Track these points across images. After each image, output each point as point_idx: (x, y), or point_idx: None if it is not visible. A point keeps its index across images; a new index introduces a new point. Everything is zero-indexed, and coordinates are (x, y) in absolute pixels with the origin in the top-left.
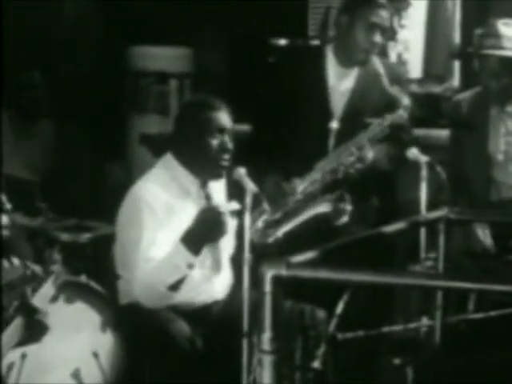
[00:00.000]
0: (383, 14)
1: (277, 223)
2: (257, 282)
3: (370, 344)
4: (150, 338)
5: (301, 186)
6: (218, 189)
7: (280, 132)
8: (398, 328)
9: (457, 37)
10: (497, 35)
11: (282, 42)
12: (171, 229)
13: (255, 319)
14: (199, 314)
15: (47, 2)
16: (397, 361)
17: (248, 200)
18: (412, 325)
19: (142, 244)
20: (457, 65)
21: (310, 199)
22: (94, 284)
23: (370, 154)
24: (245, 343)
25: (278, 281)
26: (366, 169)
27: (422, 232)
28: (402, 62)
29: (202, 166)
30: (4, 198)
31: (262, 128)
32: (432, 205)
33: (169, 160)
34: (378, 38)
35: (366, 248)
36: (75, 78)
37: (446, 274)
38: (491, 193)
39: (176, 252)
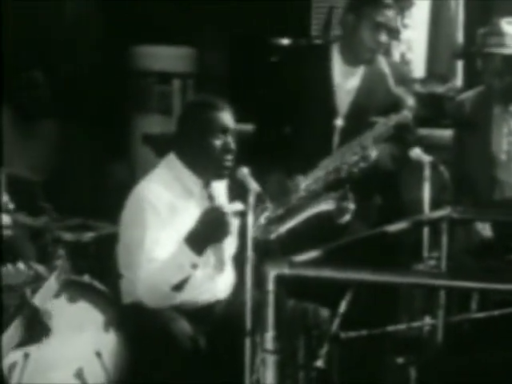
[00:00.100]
0: (389, 14)
1: (279, 220)
2: (259, 281)
3: (373, 343)
4: (152, 338)
5: (304, 183)
6: (220, 189)
7: (284, 131)
8: (401, 327)
9: (460, 36)
10: (500, 33)
11: (285, 41)
12: (174, 229)
13: (258, 318)
14: (202, 314)
15: (48, 1)
16: (400, 360)
17: (251, 200)
18: (415, 324)
19: (145, 244)
20: (460, 64)
21: (313, 197)
22: (97, 283)
23: (373, 154)
24: (248, 342)
25: (280, 280)
26: (369, 168)
27: (425, 231)
28: (405, 61)
29: (205, 166)
30: (7, 198)
31: (265, 127)
32: (435, 204)
33: (172, 160)
34: (383, 37)
35: (369, 247)
36: (77, 77)
37: (448, 273)
38: (494, 192)
39: (180, 252)
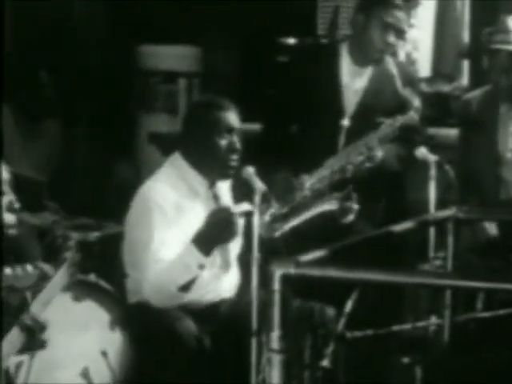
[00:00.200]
0: (399, 15)
1: (283, 218)
2: (265, 280)
3: (379, 343)
4: (158, 337)
5: (309, 182)
6: (224, 189)
7: (290, 131)
8: (406, 327)
9: (466, 36)
10: (506, 31)
11: (291, 41)
12: (180, 228)
13: (264, 318)
14: (207, 313)
15: (54, 2)
16: (406, 359)
17: (256, 199)
18: (421, 323)
19: (152, 244)
20: (466, 64)
21: (317, 196)
22: (102, 283)
23: (379, 154)
24: (253, 342)
25: (286, 279)
26: (375, 168)
27: (431, 231)
28: (411, 61)
29: (211, 166)
30: (13, 197)
31: (272, 127)
32: (441, 204)
33: (177, 159)
34: (392, 38)
35: (375, 247)
36: (83, 77)
37: (454, 273)
38: (500, 192)
39: (187, 253)
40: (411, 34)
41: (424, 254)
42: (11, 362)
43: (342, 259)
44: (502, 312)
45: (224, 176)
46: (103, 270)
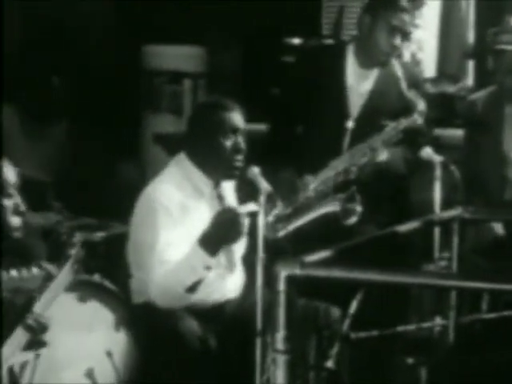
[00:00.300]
0: (405, 18)
1: (287, 218)
2: (270, 281)
3: (384, 343)
4: (163, 338)
5: (313, 183)
6: (228, 189)
7: (296, 131)
8: (411, 327)
9: (471, 36)
10: (511, 31)
11: (296, 41)
12: (185, 229)
13: (269, 318)
14: (212, 313)
15: (60, 2)
16: (410, 360)
17: (262, 200)
18: (426, 324)
19: (157, 246)
20: (471, 64)
21: (321, 197)
22: (107, 283)
23: (383, 156)
24: (258, 342)
25: (291, 280)
26: (380, 171)
27: (436, 232)
28: (415, 61)
29: (215, 166)
30: (20, 201)
31: (277, 127)
32: (446, 204)
33: (182, 160)
34: (398, 41)
35: (380, 247)
36: (88, 77)
37: (459, 273)
38: (506, 192)
39: (193, 254)
40: (416, 34)
41: (429, 255)
42: (16, 361)
43: (347, 260)
44: (506, 313)
45: (229, 176)
46: (108, 271)
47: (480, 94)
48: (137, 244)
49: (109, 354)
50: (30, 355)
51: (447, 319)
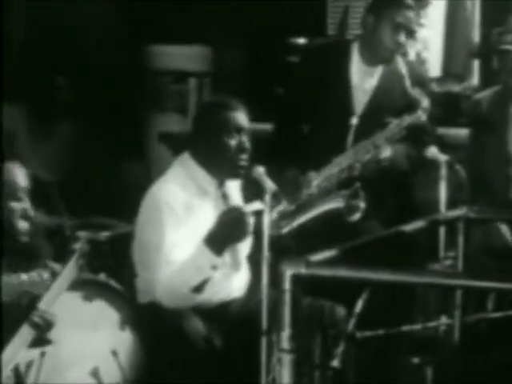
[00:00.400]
0: (409, 15)
1: (290, 215)
2: (275, 280)
3: (389, 343)
4: (169, 337)
5: (316, 180)
6: (234, 188)
7: (301, 130)
8: (417, 327)
9: (476, 36)
10: None
11: (302, 40)
12: (190, 228)
13: (274, 317)
14: (217, 312)
15: (65, 2)
16: (416, 360)
17: (267, 199)
18: (431, 324)
19: (163, 246)
20: (476, 63)
21: (324, 194)
22: (112, 282)
23: (387, 153)
24: (263, 341)
25: (297, 279)
26: (384, 167)
27: (442, 231)
28: (420, 60)
29: (220, 165)
30: (29, 205)
31: (282, 126)
32: (451, 204)
33: (186, 159)
34: (402, 38)
35: (385, 247)
36: (94, 77)
37: (465, 273)
38: (510, 191)
39: (199, 254)
40: (421, 33)
41: (434, 254)
42: (22, 360)
43: (352, 259)
44: None
45: (233, 175)
46: (113, 270)
47: (485, 94)
48: (142, 244)
49: (114, 354)
50: (35, 353)
51: (453, 318)
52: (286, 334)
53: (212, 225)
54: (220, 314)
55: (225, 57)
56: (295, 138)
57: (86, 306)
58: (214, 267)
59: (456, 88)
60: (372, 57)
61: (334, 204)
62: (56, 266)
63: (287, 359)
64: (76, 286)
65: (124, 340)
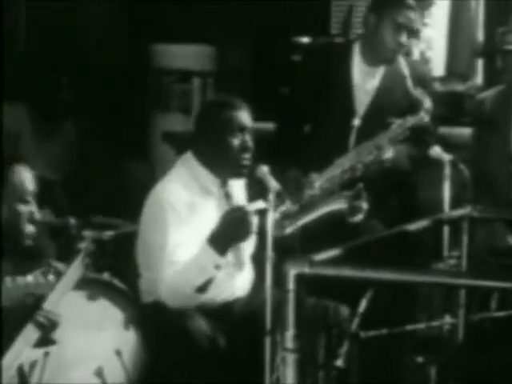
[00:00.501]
0: (411, 15)
1: (293, 216)
2: (279, 279)
3: (393, 342)
4: (172, 336)
5: (318, 181)
6: (238, 188)
7: (303, 130)
8: (421, 326)
9: (480, 35)
10: None
11: (305, 39)
12: (193, 227)
13: (278, 317)
14: (221, 312)
15: (69, 2)
16: (420, 359)
17: (271, 198)
18: (435, 323)
19: (167, 247)
20: (480, 63)
21: (326, 195)
22: (116, 281)
23: (389, 154)
24: (267, 341)
25: (301, 279)
26: (386, 168)
27: (446, 230)
28: (424, 60)
29: (223, 165)
30: (35, 209)
31: (285, 126)
32: (455, 203)
33: (189, 159)
34: (404, 38)
35: (389, 246)
36: (98, 76)
37: (468, 272)
38: None
39: (203, 253)
40: (425, 33)
41: (438, 253)
42: (26, 360)
43: (356, 258)
44: None
45: (236, 175)
46: (117, 269)
47: (488, 93)
48: (146, 245)
49: (118, 353)
50: (39, 353)
51: (457, 318)
52: (289, 333)
53: (215, 225)
54: (224, 314)
55: (228, 56)
56: (297, 137)
57: (89, 305)
58: (218, 267)
59: (460, 87)
60: (374, 57)
61: (337, 205)
62: (59, 265)
63: (291, 359)
64: (80, 285)
65: (128, 339)
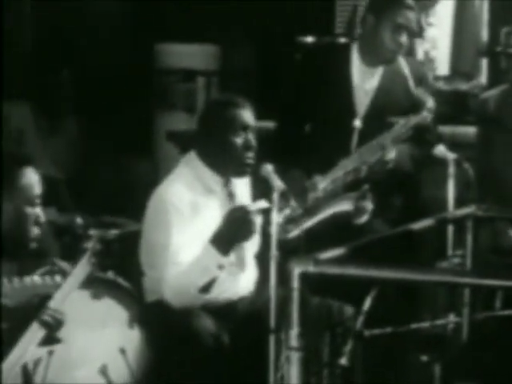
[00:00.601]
0: (410, 16)
1: (298, 219)
2: (283, 278)
3: (398, 341)
4: (176, 335)
5: (322, 183)
6: (242, 187)
7: (304, 130)
8: (425, 325)
9: (484, 34)
10: None
11: (309, 39)
12: (196, 227)
13: (282, 316)
14: (225, 311)
15: (73, 1)
16: (424, 357)
17: (275, 197)
18: (439, 321)
19: (170, 247)
20: (484, 62)
21: (330, 197)
22: (121, 280)
23: (392, 155)
24: (272, 340)
25: (305, 277)
26: (389, 168)
27: (450, 229)
28: (429, 59)
29: (226, 163)
30: (41, 212)
31: (286, 126)
32: (459, 202)
33: (192, 159)
34: (404, 38)
35: (394, 245)
36: (102, 75)
37: (473, 271)
38: None
39: (206, 254)
40: (430, 32)
41: (442, 252)
42: (30, 358)
43: (360, 257)
44: None
45: (239, 174)
46: (121, 268)
47: (493, 92)
48: (149, 245)
49: (122, 352)
50: (43, 351)
51: (461, 316)
52: (294, 332)
53: (218, 224)
54: (228, 313)
55: (233, 55)
56: (298, 137)
57: (94, 303)
58: (221, 267)
59: (464, 86)
60: (372, 57)
61: (342, 207)
62: (64, 264)
63: (295, 357)
64: (84, 283)
65: (132, 338)
